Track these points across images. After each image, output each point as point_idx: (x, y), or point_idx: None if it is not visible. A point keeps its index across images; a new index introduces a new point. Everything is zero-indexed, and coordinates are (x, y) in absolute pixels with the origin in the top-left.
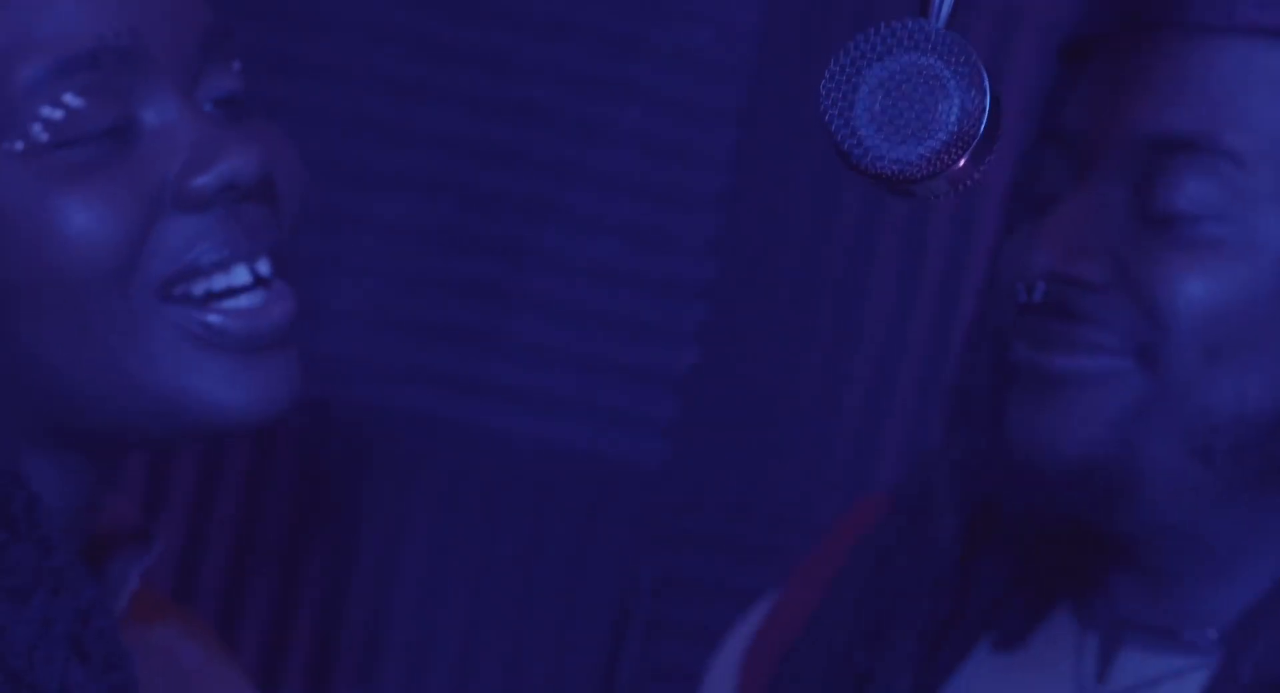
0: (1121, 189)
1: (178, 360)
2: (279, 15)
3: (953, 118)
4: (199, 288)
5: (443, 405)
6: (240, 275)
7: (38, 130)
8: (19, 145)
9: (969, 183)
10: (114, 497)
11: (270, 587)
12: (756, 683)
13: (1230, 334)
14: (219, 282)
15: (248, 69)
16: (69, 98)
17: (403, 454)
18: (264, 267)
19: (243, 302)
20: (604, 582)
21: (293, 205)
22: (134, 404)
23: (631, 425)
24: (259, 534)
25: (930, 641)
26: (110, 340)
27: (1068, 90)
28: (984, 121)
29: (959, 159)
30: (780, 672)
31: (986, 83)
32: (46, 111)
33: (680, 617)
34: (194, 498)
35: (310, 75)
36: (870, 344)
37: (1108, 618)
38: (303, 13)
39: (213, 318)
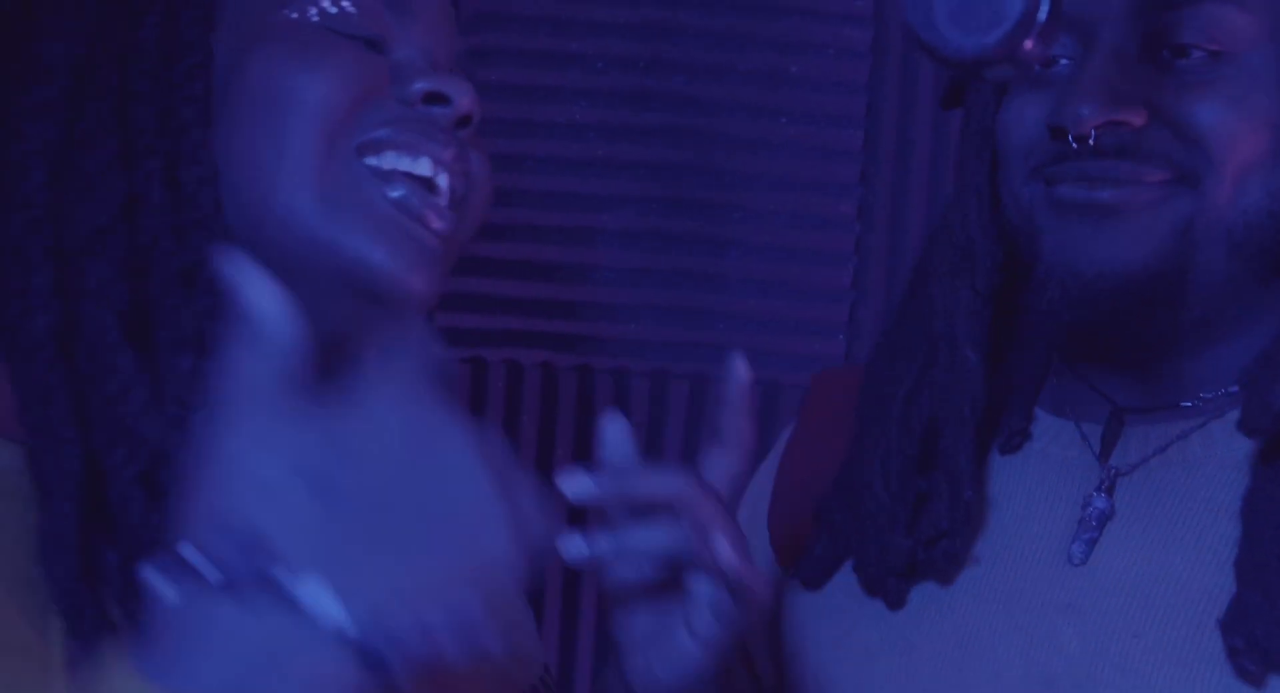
0: (1133, 45)
1: (349, 216)
2: (527, 85)
3: (1018, 7)
4: (387, 162)
5: (684, 332)
6: (424, 166)
7: (313, 13)
8: (294, 15)
9: (1034, 61)
10: None
11: None
12: (788, 509)
13: (1257, 149)
14: (404, 163)
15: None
16: (347, 4)
17: (658, 372)
18: (443, 179)
19: (421, 181)
20: None
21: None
22: (302, 237)
23: (814, 329)
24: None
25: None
26: (305, 185)
27: None
28: (1046, 6)
29: (1026, 42)
30: (829, 496)
31: None
32: (326, 4)
33: None
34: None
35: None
36: None
37: (1104, 408)
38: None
39: (393, 192)
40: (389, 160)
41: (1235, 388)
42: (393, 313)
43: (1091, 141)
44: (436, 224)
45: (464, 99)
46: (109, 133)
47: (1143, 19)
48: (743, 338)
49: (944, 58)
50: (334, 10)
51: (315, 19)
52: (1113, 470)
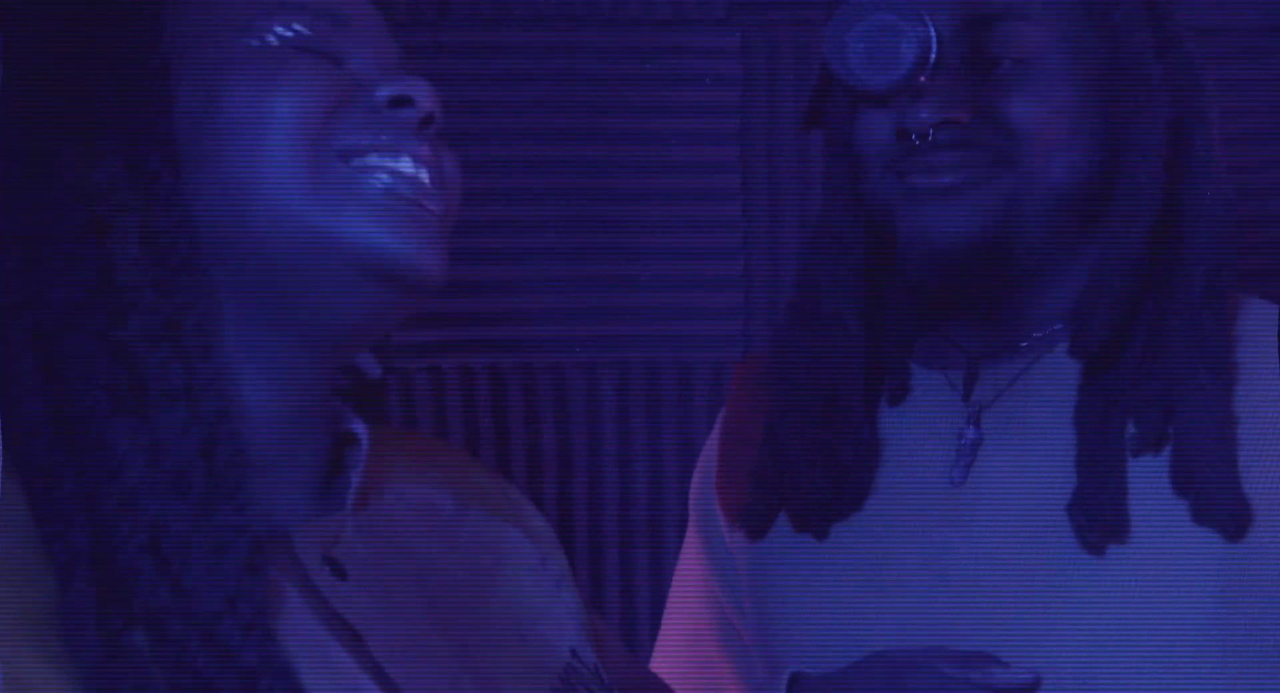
0: (958, 60)
1: (348, 208)
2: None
3: (912, 54)
4: (372, 162)
5: (609, 328)
6: (406, 165)
7: (271, 38)
8: (254, 42)
9: (925, 89)
10: (345, 409)
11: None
12: (732, 478)
13: (1058, 133)
14: (388, 162)
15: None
16: (299, 27)
17: (589, 363)
18: (425, 174)
19: (409, 172)
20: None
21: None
22: (308, 240)
23: (715, 315)
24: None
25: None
26: (298, 191)
27: None
28: (934, 52)
29: (921, 77)
30: (761, 458)
31: (930, 28)
32: (280, 29)
33: None
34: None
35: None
36: None
37: (961, 357)
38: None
39: (382, 182)
40: (374, 161)
41: (1059, 325)
42: (411, 297)
43: (930, 138)
44: (432, 206)
45: (426, 99)
46: (77, 199)
47: (963, 38)
48: (657, 327)
49: (857, 93)
50: (289, 33)
51: (274, 42)
52: (976, 406)
